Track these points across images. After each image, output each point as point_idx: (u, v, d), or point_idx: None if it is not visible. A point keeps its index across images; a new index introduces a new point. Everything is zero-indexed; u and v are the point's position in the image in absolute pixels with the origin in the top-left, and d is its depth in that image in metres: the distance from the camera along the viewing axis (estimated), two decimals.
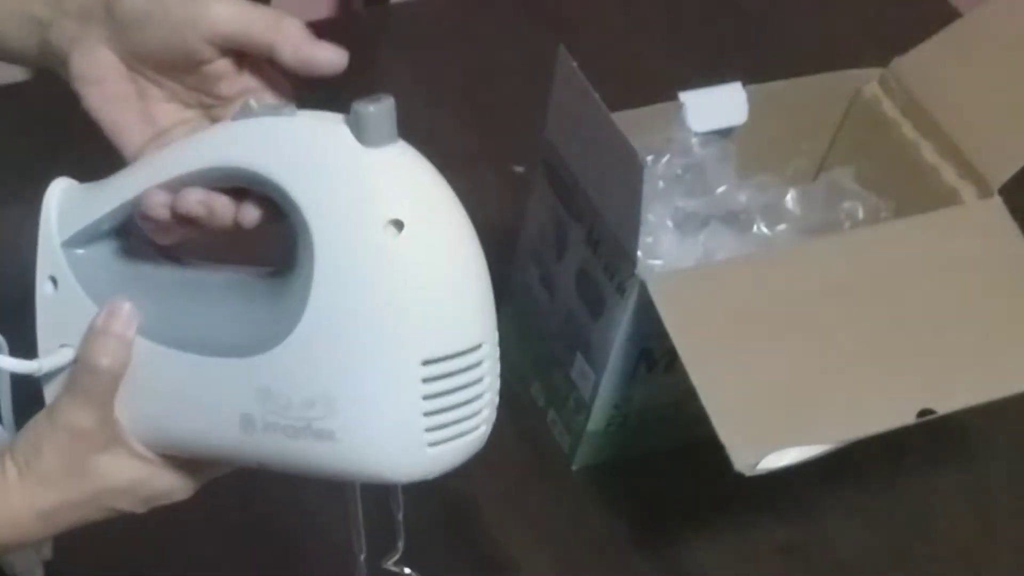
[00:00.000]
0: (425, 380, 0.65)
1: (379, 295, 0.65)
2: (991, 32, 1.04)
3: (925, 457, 1.07)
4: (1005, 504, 1.07)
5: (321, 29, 0.74)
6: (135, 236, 0.74)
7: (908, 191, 1.05)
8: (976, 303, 0.97)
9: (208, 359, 0.69)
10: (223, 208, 0.69)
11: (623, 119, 0.87)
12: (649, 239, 0.99)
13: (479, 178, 1.20)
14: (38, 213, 0.80)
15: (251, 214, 0.69)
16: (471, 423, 0.67)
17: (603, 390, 0.98)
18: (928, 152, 1.04)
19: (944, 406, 0.91)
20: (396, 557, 0.77)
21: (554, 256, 1.00)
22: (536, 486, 1.03)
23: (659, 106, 1.02)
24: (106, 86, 0.73)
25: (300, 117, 0.67)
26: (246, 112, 0.68)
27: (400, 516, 0.75)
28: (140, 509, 0.74)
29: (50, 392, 0.75)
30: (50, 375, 0.74)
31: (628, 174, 0.87)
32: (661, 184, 1.02)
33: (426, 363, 0.65)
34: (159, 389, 0.72)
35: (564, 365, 1.01)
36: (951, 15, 1.15)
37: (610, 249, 0.93)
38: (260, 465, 0.70)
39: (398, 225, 0.64)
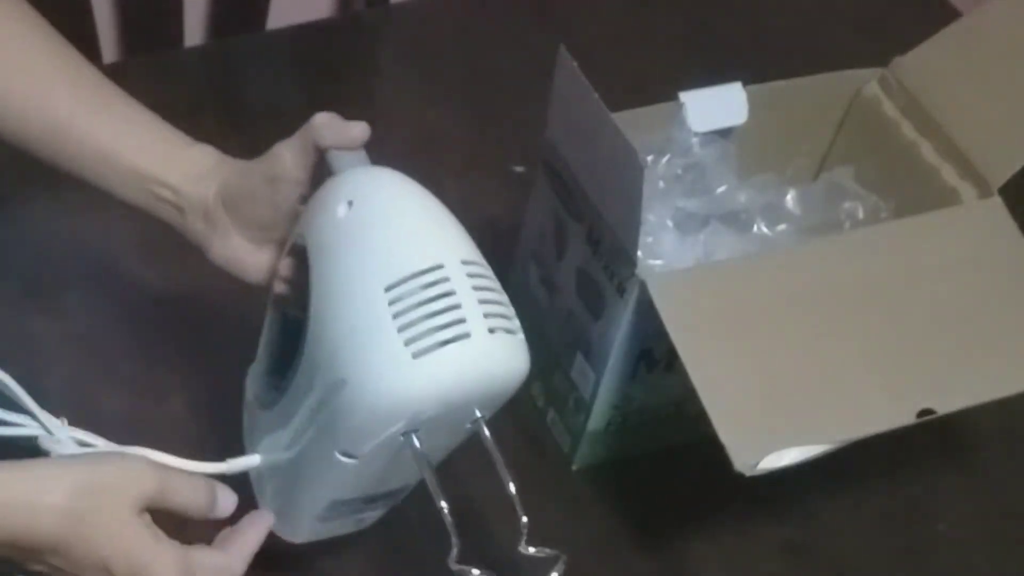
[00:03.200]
0: (391, 302, 0.75)
1: (342, 258, 0.78)
2: (991, 32, 1.04)
3: (925, 457, 1.07)
4: (1005, 504, 1.07)
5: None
6: None
7: (908, 191, 1.05)
8: (976, 303, 0.97)
9: (285, 394, 0.83)
10: None
11: (623, 119, 0.87)
12: (649, 239, 0.99)
13: (479, 178, 1.21)
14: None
15: None
16: (454, 330, 0.76)
17: (603, 390, 0.98)
18: (928, 152, 1.04)
19: (944, 406, 0.91)
20: (524, 538, 0.83)
21: (554, 256, 1.00)
22: (536, 486, 1.03)
23: (659, 106, 1.02)
24: (249, 265, 0.88)
25: None
26: None
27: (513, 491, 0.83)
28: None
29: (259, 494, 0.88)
30: (256, 479, 0.88)
31: (628, 174, 0.87)
32: (661, 184, 1.02)
33: (388, 288, 0.76)
34: None
35: (564, 365, 1.01)
36: (951, 15, 1.15)
37: (610, 249, 0.93)
38: (341, 451, 0.80)
39: (350, 205, 0.79)
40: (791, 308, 0.93)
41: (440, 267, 0.76)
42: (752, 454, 0.86)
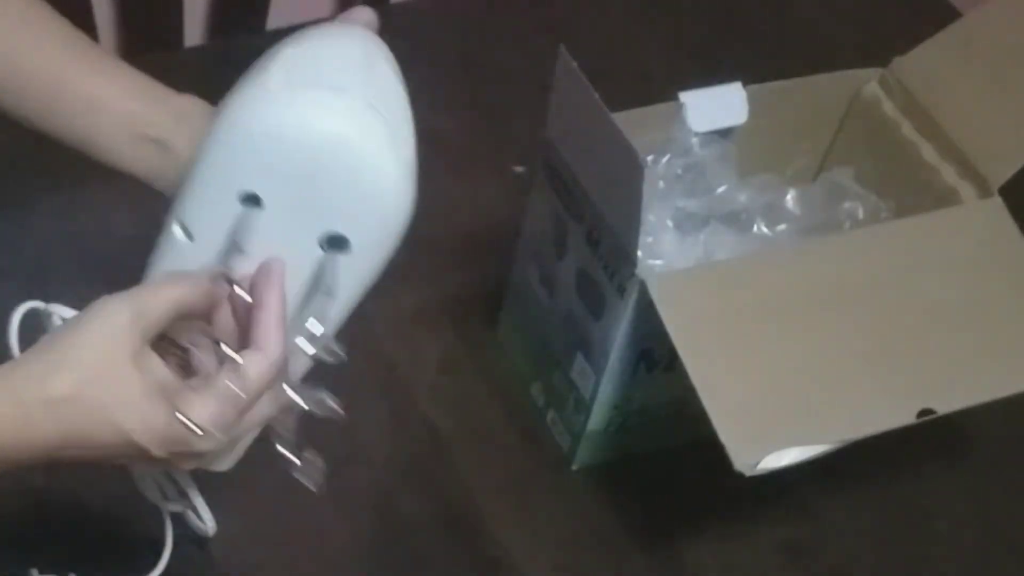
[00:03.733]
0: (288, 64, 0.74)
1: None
2: (991, 32, 1.04)
3: (925, 457, 1.07)
4: (1005, 504, 1.07)
5: None
6: None
7: (908, 191, 1.05)
8: (976, 303, 0.97)
9: None
10: None
11: (623, 119, 0.87)
12: (649, 239, 0.99)
13: (479, 178, 1.21)
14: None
15: None
16: (344, 84, 0.74)
17: (603, 390, 0.98)
18: (928, 152, 1.04)
19: (944, 406, 0.91)
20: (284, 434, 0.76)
21: (554, 256, 1.00)
22: (536, 486, 1.03)
23: (659, 106, 1.02)
24: None
25: None
26: None
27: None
28: (160, 452, 0.70)
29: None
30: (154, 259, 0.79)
31: (628, 174, 0.87)
32: (661, 184, 1.02)
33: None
34: None
35: (564, 365, 1.01)
36: (951, 15, 1.15)
37: (610, 249, 0.93)
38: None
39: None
40: (791, 308, 0.93)
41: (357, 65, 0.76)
42: (752, 454, 0.86)
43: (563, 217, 0.98)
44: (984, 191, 1.01)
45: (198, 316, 0.75)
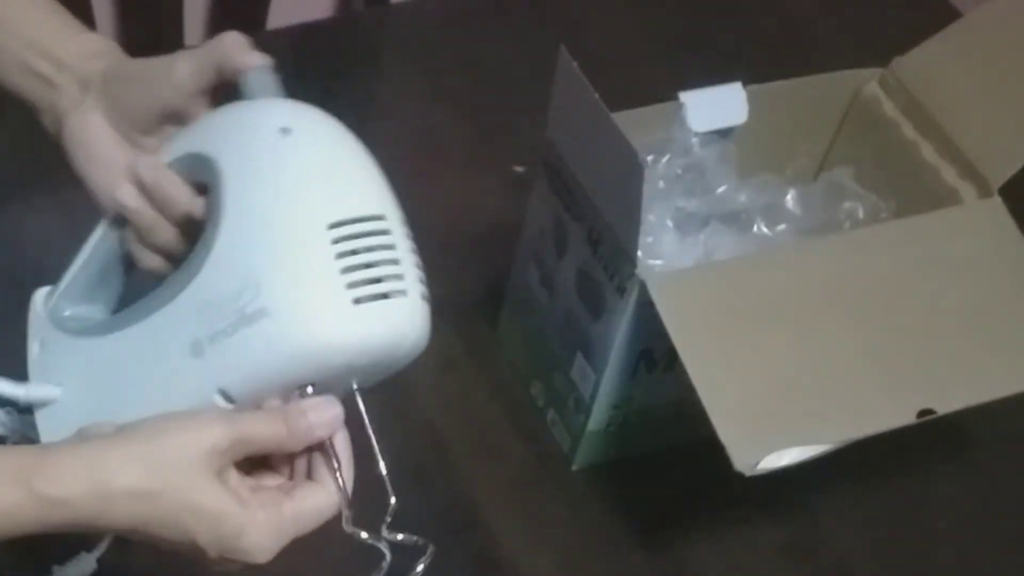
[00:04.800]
0: (335, 241, 0.72)
1: (279, 184, 0.74)
2: (991, 32, 1.04)
3: (925, 457, 1.07)
4: (1005, 504, 1.07)
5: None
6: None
7: (908, 191, 1.05)
8: (976, 303, 0.97)
9: (148, 319, 0.77)
10: (174, 187, 0.79)
11: (623, 119, 0.87)
12: (649, 239, 0.99)
13: (479, 178, 1.21)
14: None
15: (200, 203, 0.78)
16: (394, 285, 0.73)
17: (603, 390, 0.98)
18: (928, 152, 1.04)
19: (944, 406, 0.91)
20: (388, 520, 0.77)
21: (554, 256, 1.00)
22: (536, 486, 1.03)
23: (659, 106, 1.02)
24: (92, 148, 0.84)
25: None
26: None
27: (384, 471, 0.77)
28: (214, 555, 0.73)
29: (44, 431, 0.80)
30: (45, 415, 0.81)
31: (628, 174, 0.87)
32: (661, 184, 1.02)
33: (332, 226, 0.73)
34: (119, 371, 0.79)
35: (564, 365, 1.01)
36: (951, 15, 1.15)
37: (610, 249, 0.93)
38: (221, 391, 0.74)
39: (286, 131, 0.75)
40: (791, 308, 0.93)
41: (384, 218, 0.74)
42: (752, 454, 0.86)
43: (563, 217, 0.98)
44: (984, 191, 1.01)
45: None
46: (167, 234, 0.81)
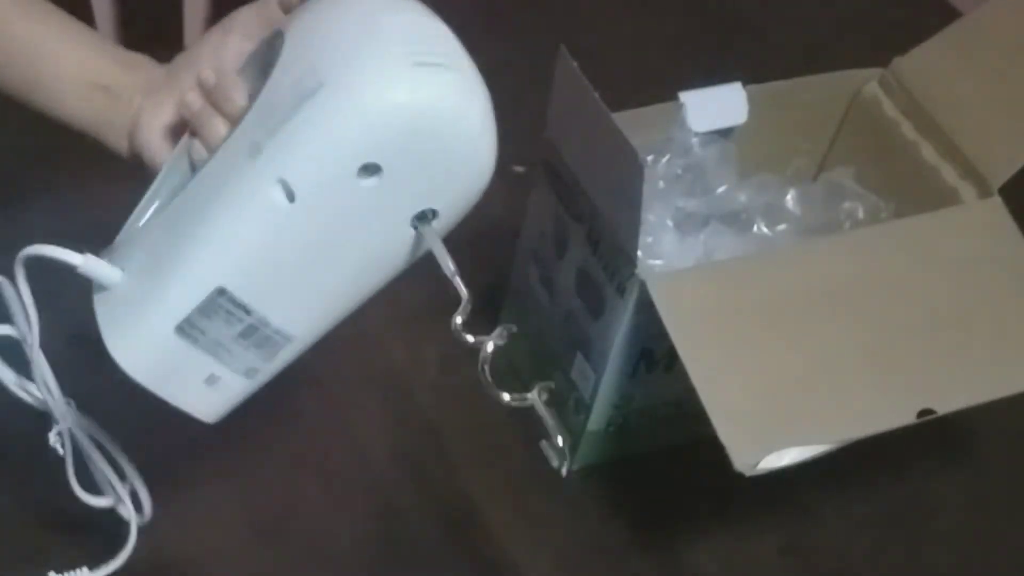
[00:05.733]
0: (393, 29, 0.73)
1: (336, 5, 0.75)
2: (991, 32, 1.04)
3: (925, 457, 1.07)
4: (1005, 504, 1.07)
5: None
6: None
7: (908, 191, 1.05)
8: (976, 303, 0.97)
9: (210, 163, 0.77)
10: (233, 85, 0.79)
11: (623, 119, 0.87)
12: (649, 239, 0.99)
13: None
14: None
15: None
16: (454, 60, 0.75)
17: (603, 390, 0.98)
18: (928, 152, 1.05)
19: (944, 406, 0.91)
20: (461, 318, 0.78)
21: (554, 256, 1.00)
22: (536, 486, 1.03)
23: (659, 106, 1.02)
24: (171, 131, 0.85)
25: None
26: None
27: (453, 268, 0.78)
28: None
29: (102, 316, 0.79)
30: (102, 300, 0.79)
31: (628, 174, 0.87)
32: (661, 184, 1.02)
33: (390, 16, 0.74)
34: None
35: (564, 365, 1.01)
36: (951, 15, 1.15)
37: (610, 249, 0.93)
38: (281, 181, 0.73)
39: None
40: (791, 308, 0.93)
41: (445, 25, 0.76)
42: (752, 454, 0.86)
43: (563, 217, 0.98)
44: (984, 191, 1.01)
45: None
46: (225, 132, 0.80)
